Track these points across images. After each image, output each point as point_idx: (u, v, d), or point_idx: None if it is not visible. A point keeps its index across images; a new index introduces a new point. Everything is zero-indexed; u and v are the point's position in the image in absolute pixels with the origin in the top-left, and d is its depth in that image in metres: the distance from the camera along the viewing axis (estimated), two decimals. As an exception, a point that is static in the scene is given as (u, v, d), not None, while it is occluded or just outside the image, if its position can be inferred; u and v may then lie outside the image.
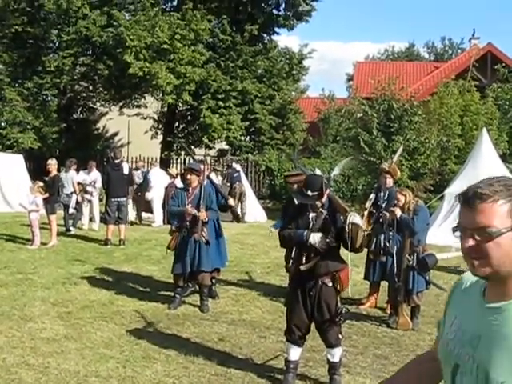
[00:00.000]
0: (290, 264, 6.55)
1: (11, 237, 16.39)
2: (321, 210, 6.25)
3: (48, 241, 15.27)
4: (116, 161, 16.86)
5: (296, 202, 6.75)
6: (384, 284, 9.79)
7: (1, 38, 31.00)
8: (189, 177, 9.70)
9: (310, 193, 6.18)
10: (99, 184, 18.37)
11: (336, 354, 6.42)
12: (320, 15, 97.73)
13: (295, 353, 6.49)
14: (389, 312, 9.29)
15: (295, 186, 9.24)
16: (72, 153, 22.85)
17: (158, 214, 20.06)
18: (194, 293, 10.09)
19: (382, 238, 9.57)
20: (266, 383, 6.50)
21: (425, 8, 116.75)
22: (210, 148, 31.26)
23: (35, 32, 30.77)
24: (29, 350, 7.37)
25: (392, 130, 24.46)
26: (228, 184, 21.75)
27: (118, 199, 16.06)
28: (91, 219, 19.09)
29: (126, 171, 16.66)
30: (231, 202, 10.40)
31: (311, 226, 6.24)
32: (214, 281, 10.24)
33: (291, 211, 6.64)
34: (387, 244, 9.50)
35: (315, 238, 6.16)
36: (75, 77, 31.85)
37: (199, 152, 30.26)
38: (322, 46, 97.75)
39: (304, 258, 6.24)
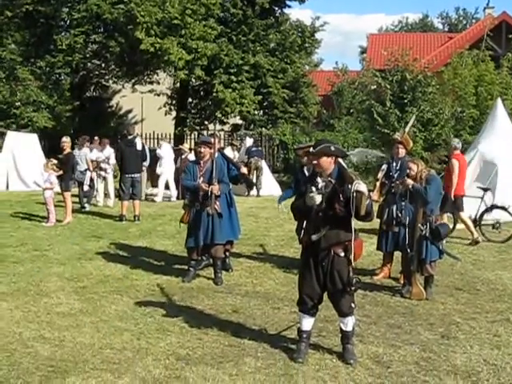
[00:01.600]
0: (302, 235, 6.55)
1: (27, 215, 16.50)
2: (330, 179, 6.23)
3: (63, 218, 15.36)
4: (129, 137, 16.88)
5: (308, 172, 6.73)
6: (397, 254, 9.77)
7: (12, 18, 30.87)
8: (202, 150, 9.68)
9: (311, 149, 6.29)
10: (113, 161, 18.41)
11: (349, 323, 6.42)
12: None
13: (308, 323, 6.50)
14: (402, 282, 9.28)
15: (305, 158, 9.25)
16: (86, 131, 22.82)
17: (173, 189, 20.16)
18: (208, 266, 10.12)
19: (395, 208, 9.55)
20: (280, 353, 6.50)
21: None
22: (224, 123, 31.17)
23: (46, 11, 30.66)
24: (45, 324, 7.43)
25: (405, 101, 24.34)
26: (246, 158, 21.88)
27: (132, 175, 16.08)
28: (106, 195, 19.17)
29: (139, 147, 16.67)
30: (243, 170, 10.36)
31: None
32: (227, 253, 10.27)
33: (302, 179, 6.61)
34: (399, 214, 9.48)
35: (315, 198, 6.11)
36: (87, 55, 31.78)
37: (212, 128, 30.19)
38: (334, 18, 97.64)
39: (313, 229, 6.24)
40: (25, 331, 7.15)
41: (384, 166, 10.06)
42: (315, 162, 6.25)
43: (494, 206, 14.07)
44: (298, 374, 6.00)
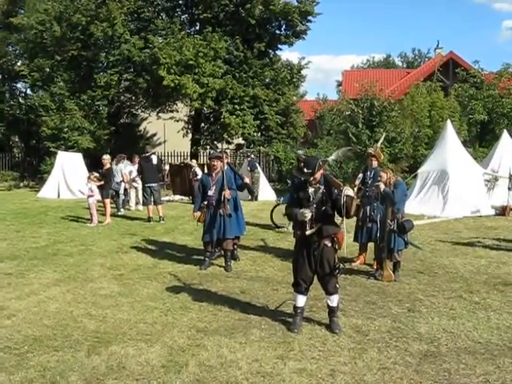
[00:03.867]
0: (297, 231, 6.51)
1: (74, 217, 16.46)
2: (318, 185, 6.21)
3: (103, 220, 15.32)
4: (147, 154, 16.92)
5: (298, 180, 6.68)
6: (371, 245, 9.74)
7: (61, 61, 30.95)
8: (214, 163, 9.66)
9: (305, 170, 6.18)
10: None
11: (334, 300, 6.41)
12: (315, 34, 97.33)
13: (301, 300, 6.48)
14: (375, 267, 9.25)
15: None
16: (120, 150, 22.80)
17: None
18: (220, 256, 10.08)
19: (368, 208, 9.54)
20: (279, 325, 6.46)
21: (399, 25, 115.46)
22: (230, 143, 31.15)
23: (88, 55, 30.73)
24: (90, 304, 7.39)
25: (374, 123, 24.45)
26: (249, 169, 22.15)
27: (150, 185, 16.06)
28: (137, 202, 19.14)
29: (154, 162, 16.75)
30: (246, 180, 10.35)
31: (311, 198, 6.20)
32: (235, 246, 10.22)
33: (295, 187, 6.58)
34: (372, 213, 9.46)
35: (304, 214, 6.11)
36: (120, 90, 31.82)
37: (220, 146, 30.14)
38: (316, 58, 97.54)
39: (308, 226, 6.21)
40: (75, 310, 7.12)
41: (360, 175, 10.03)
42: (312, 178, 6.19)
43: None
44: (295, 342, 5.96)
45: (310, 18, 31.27)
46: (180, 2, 33.17)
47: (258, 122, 30.57)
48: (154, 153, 18.32)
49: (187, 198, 22.16)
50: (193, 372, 5.21)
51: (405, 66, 68.74)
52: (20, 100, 40.24)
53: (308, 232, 6.21)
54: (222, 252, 9.83)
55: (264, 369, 5.28)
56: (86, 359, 5.49)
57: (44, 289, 8.18)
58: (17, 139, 41.24)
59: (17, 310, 7.06)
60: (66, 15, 29.82)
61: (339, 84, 57.00)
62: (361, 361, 5.47)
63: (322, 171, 6.25)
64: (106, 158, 16.40)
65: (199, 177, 20.64)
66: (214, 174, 9.67)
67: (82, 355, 5.59)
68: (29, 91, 38.99)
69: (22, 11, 34.06)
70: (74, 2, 30.28)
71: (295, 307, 6.51)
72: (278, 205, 14.99)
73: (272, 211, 14.52)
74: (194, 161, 23.84)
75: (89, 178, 15.68)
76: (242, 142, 31.92)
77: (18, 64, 37.62)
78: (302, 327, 6.35)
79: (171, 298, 7.63)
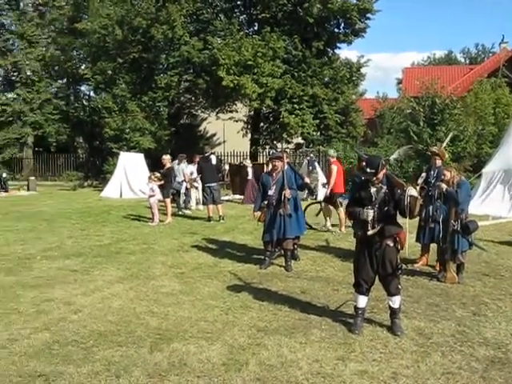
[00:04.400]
0: (358, 231, 6.44)
1: (136, 216, 16.80)
2: (380, 185, 6.13)
3: (165, 219, 15.57)
4: (206, 155, 17.04)
5: (359, 179, 6.60)
6: (433, 246, 9.52)
7: (123, 64, 31.66)
8: (276, 163, 9.68)
9: (368, 169, 6.10)
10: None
11: (396, 301, 6.31)
12: (374, 31, 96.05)
13: (363, 301, 6.41)
14: (438, 269, 9.03)
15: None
16: (180, 151, 23.13)
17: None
18: (280, 256, 10.06)
19: (431, 208, 9.32)
20: (340, 326, 6.41)
21: (461, 19, 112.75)
22: (289, 142, 31.11)
23: (148, 57, 31.32)
24: (152, 301, 7.52)
25: (436, 121, 23.96)
26: (310, 169, 22.21)
27: (209, 184, 16.16)
28: (197, 202, 19.35)
29: (214, 162, 16.85)
30: (307, 180, 10.33)
31: (373, 198, 6.12)
32: (295, 246, 10.18)
33: (357, 186, 6.50)
34: (435, 213, 9.24)
35: (368, 213, 6.07)
36: (180, 91, 32.31)
37: (279, 146, 30.20)
38: (376, 56, 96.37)
39: (370, 226, 6.14)
40: (137, 307, 7.26)
41: (423, 174, 9.84)
42: (374, 178, 6.12)
43: None
44: (355, 343, 5.90)
45: (368, 15, 30.91)
46: (238, 2, 33.40)
47: (318, 121, 30.42)
48: (213, 153, 18.50)
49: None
50: (253, 371, 5.23)
51: (467, 62, 66.88)
52: (84, 102, 41.50)
53: (370, 232, 6.13)
54: (282, 252, 9.81)
55: (324, 369, 5.25)
56: (149, 355, 5.60)
57: (108, 286, 8.38)
58: (81, 140, 42.52)
59: (83, 306, 7.28)
60: (128, 19, 30.48)
61: (399, 82, 56.10)
62: (424, 364, 5.36)
63: (384, 171, 6.17)
64: (166, 158, 16.64)
65: (250, 177, 20.99)
66: (274, 174, 9.69)
67: (145, 351, 5.70)
68: (92, 94, 40.21)
69: (86, 17, 35.01)
70: (134, 6, 30.92)
71: (356, 308, 6.44)
72: (311, 204, 14.93)
73: (304, 211, 14.56)
74: (248, 161, 24.10)
75: (150, 177, 15.95)
76: (302, 141, 31.84)
77: (82, 68, 38.75)
78: (362, 328, 6.28)
79: (232, 297, 7.67)
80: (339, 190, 13.74)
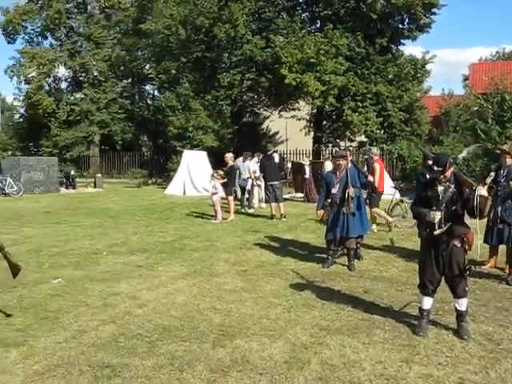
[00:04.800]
0: (423, 231, 6.31)
1: (199, 214, 17.03)
2: (448, 184, 5.98)
3: (227, 216, 15.71)
4: (268, 153, 17.06)
5: (424, 178, 6.47)
6: (503, 247, 9.22)
7: (186, 63, 32.17)
8: (340, 162, 9.62)
9: (435, 167, 5.98)
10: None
11: (463, 304, 6.15)
12: (439, 26, 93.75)
13: (428, 303, 6.28)
14: (508, 271, 8.74)
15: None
16: (243, 149, 23.30)
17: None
18: (343, 255, 9.99)
19: (500, 208, 8.99)
20: (404, 327, 6.31)
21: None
22: (352, 140, 30.81)
23: (211, 56, 31.68)
24: (215, 298, 7.60)
25: (505, 118, 23.20)
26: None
27: (272, 183, 16.19)
28: (260, 200, 19.43)
29: (276, 160, 16.82)
30: (370, 178, 10.22)
31: (440, 197, 5.98)
32: (358, 245, 10.09)
33: (423, 185, 6.37)
34: (504, 214, 8.93)
35: (435, 216, 5.93)
36: (243, 89, 32.48)
37: (342, 144, 29.98)
38: (441, 52, 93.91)
39: (437, 225, 6.00)
40: (201, 303, 7.35)
41: (492, 173, 9.52)
42: (442, 176, 5.98)
43: None
44: (420, 346, 5.78)
45: (434, 10, 30.13)
46: (300, 0, 33.29)
47: (381, 119, 29.96)
48: (275, 151, 18.56)
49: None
50: (315, 370, 5.21)
51: (540, 56, 64.35)
52: (148, 101, 42.49)
53: (437, 232, 5.99)
54: (345, 250, 9.74)
55: (388, 371, 5.17)
56: (212, 351, 5.67)
57: (172, 281, 8.53)
58: (145, 138, 43.52)
59: (147, 301, 7.44)
60: (191, 19, 30.91)
61: (466, 78, 54.52)
62: (493, 371, 5.18)
63: (452, 169, 6.02)
64: (229, 155, 16.77)
65: (307, 176, 20.96)
66: (337, 172, 9.63)
67: (208, 347, 5.77)
68: (156, 93, 41.10)
69: (150, 17, 35.80)
70: (197, 6, 31.32)
71: (421, 309, 6.32)
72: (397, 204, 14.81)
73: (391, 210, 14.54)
74: (306, 159, 24.07)
75: (212, 175, 16.12)
76: (365, 139, 31.49)
77: (147, 67, 39.71)
78: (427, 331, 6.16)
79: (294, 295, 7.67)
80: (380, 190, 13.46)
